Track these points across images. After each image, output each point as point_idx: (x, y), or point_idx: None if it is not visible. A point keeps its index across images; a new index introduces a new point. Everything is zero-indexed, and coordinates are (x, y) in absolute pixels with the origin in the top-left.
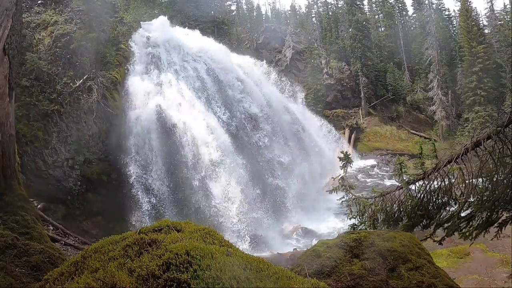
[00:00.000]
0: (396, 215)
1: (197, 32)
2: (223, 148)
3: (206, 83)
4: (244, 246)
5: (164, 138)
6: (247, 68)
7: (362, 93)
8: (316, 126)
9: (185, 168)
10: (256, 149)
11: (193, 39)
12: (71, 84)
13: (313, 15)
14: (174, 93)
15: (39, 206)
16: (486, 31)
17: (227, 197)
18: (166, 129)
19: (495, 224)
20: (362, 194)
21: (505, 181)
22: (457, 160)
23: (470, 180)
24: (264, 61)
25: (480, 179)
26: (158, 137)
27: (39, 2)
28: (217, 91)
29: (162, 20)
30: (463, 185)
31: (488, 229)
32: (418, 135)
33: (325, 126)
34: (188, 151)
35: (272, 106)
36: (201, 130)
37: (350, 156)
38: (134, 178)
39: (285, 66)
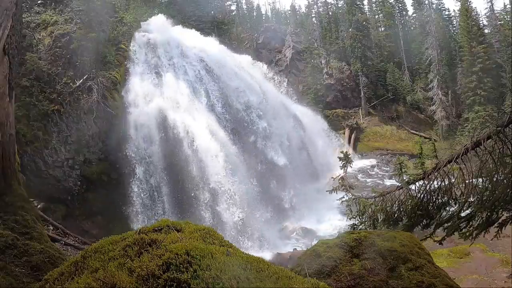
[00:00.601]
0: (396, 215)
1: (211, 39)
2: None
3: (220, 118)
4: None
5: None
6: (265, 87)
7: (362, 93)
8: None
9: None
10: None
11: (195, 41)
12: (71, 84)
13: (313, 15)
14: (174, 93)
15: (39, 206)
16: (486, 31)
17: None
18: (168, 137)
19: (495, 224)
20: (362, 194)
21: (505, 181)
22: (457, 160)
23: (470, 180)
24: (286, 79)
25: (480, 179)
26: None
27: (39, 2)
28: (233, 131)
29: (162, 20)
30: (463, 185)
31: (488, 229)
32: (418, 135)
33: (344, 147)
34: (204, 207)
35: (291, 142)
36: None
37: (350, 156)
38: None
39: (285, 66)
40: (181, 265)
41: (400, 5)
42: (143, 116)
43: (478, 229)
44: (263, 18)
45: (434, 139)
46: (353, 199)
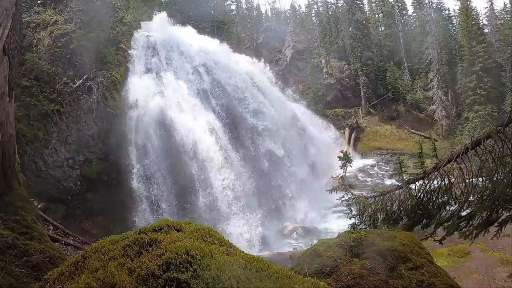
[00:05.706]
0: (396, 214)
1: (210, 39)
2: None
3: (220, 117)
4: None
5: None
6: (265, 85)
7: (362, 92)
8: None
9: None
10: None
11: (195, 40)
12: (71, 84)
13: (313, 15)
14: (174, 93)
15: (39, 206)
16: (486, 30)
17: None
18: (167, 133)
19: (495, 224)
20: (362, 194)
21: (505, 180)
22: (457, 159)
23: (470, 180)
24: (294, 88)
25: (480, 179)
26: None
27: (39, 2)
28: (232, 130)
29: (163, 19)
30: (463, 185)
31: (488, 229)
32: (418, 134)
33: (344, 146)
34: (205, 206)
35: (292, 141)
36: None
37: (350, 156)
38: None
39: (285, 66)
40: (181, 265)
41: (400, 4)
42: (143, 116)
43: (478, 229)
44: (263, 17)
45: (434, 139)
46: (353, 198)
